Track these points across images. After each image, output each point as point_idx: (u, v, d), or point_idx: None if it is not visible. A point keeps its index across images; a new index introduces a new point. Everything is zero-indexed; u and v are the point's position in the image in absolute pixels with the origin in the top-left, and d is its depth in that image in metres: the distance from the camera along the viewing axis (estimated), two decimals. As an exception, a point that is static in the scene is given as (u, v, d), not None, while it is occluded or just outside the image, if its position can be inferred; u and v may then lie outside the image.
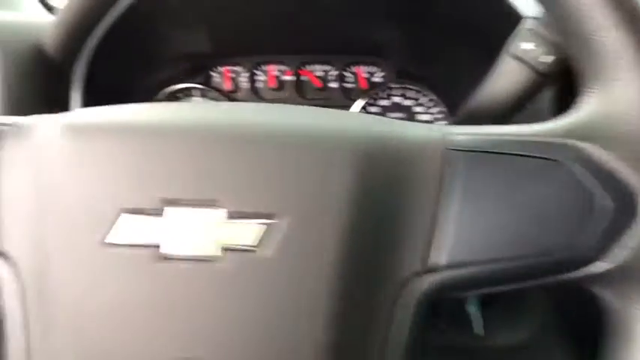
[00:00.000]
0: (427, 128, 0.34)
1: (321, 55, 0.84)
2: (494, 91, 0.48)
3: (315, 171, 0.30)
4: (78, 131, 0.33)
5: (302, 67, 0.85)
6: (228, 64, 0.84)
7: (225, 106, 0.37)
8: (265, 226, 0.30)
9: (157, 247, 0.31)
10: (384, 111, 0.84)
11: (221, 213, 0.31)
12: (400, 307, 0.31)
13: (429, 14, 0.66)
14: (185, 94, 0.83)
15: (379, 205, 0.31)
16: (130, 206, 0.31)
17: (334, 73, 0.85)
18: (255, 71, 0.85)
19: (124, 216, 0.31)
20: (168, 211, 0.31)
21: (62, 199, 0.31)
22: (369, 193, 0.30)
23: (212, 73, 0.84)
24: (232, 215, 0.31)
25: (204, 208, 0.31)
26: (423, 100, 0.84)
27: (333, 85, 0.85)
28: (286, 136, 0.32)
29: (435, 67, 0.78)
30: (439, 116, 0.84)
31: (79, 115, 0.35)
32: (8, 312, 0.33)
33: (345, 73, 0.85)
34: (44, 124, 0.34)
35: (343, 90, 0.85)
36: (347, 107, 0.84)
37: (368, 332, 0.31)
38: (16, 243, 0.33)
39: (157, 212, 0.31)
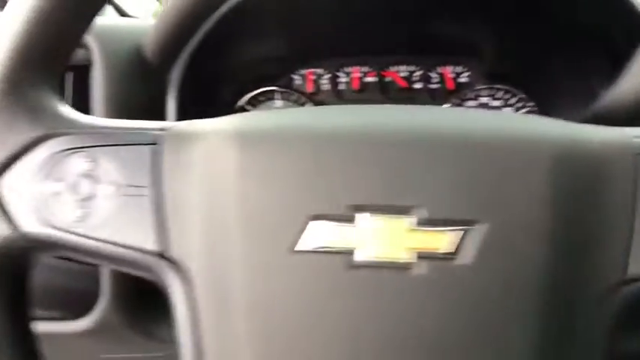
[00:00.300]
0: (611, 131, 0.32)
1: (406, 55, 0.82)
2: (628, 91, 0.46)
3: (515, 176, 0.29)
4: (253, 138, 0.31)
5: (386, 68, 0.83)
6: (310, 67, 0.82)
7: (400, 109, 0.35)
8: (462, 232, 0.28)
9: (350, 254, 0.29)
10: (471, 112, 0.82)
11: (415, 219, 0.29)
12: (599, 316, 0.29)
13: (537, 13, 0.64)
14: (267, 97, 0.82)
15: (577, 211, 0.29)
16: (319, 213, 0.29)
17: (419, 73, 0.83)
18: (337, 73, 0.83)
19: (313, 223, 0.29)
20: (360, 217, 0.29)
21: (243, 207, 0.30)
22: (568, 198, 0.29)
23: (293, 77, 0.83)
24: (427, 222, 0.29)
25: (397, 214, 0.29)
26: (512, 100, 0.81)
27: (418, 85, 0.83)
28: (482, 141, 0.30)
29: (531, 67, 0.75)
30: (529, 117, 0.81)
31: (246, 120, 0.33)
32: (179, 320, 0.31)
33: (431, 74, 0.82)
34: (209, 130, 0.33)
35: (428, 91, 0.82)
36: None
37: (568, 342, 0.29)
38: (185, 250, 0.31)
39: (348, 219, 0.29)
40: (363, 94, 0.83)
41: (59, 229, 0.32)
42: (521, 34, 0.70)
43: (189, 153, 0.32)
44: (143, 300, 0.66)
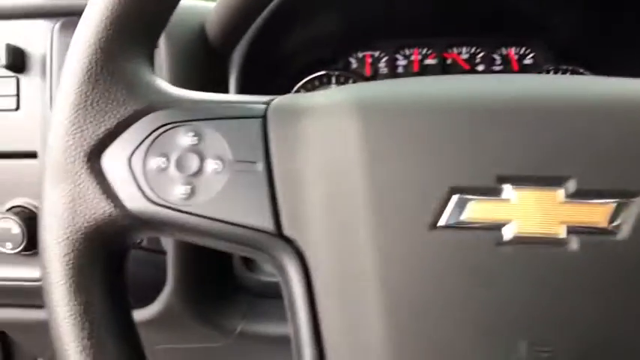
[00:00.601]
0: None
1: (467, 36, 0.78)
2: None
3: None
4: (378, 109, 0.28)
5: (447, 50, 0.80)
6: (368, 50, 0.79)
7: (529, 78, 0.32)
8: (615, 205, 0.26)
9: (498, 229, 0.26)
10: (536, 95, 0.78)
11: (566, 191, 0.26)
12: None
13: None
14: (321, 81, 0.79)
15: None
16: (463, 185, 0.26)
17: (482, 55, 0.79)
18: (396, 55, 0.80)
19: (457, 197, 0.26)
20: (508, 189, 0.26)
21: (372, 183, 0.27)
22: None
23: (350, 60, 0.80)
24: (579, 194, 0.26)
25: (547, 186, 0.26)
26: (580, 82, 0.77)
27: (480, 68, 0.79)
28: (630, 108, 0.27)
29: (603, 48, 0.71)
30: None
31: (364, 91, 0.30)
32: (295, 302, 0.29)
33: (494, 55, 0.79)
34: (323, 103, 0.30)
35: (493, 73, 0.79)
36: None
37: None
38: (302, 229, 0.29)
39: (495, 191, 0.26)
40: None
41: (166, 206, 0.30)
42: (605, 14, 0.66)
43: (301, 127, 0.30)
44: (206, 289, 0.64)
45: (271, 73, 0.74)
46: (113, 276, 0.31)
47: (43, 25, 0.60)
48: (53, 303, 0.30)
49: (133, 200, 0.30)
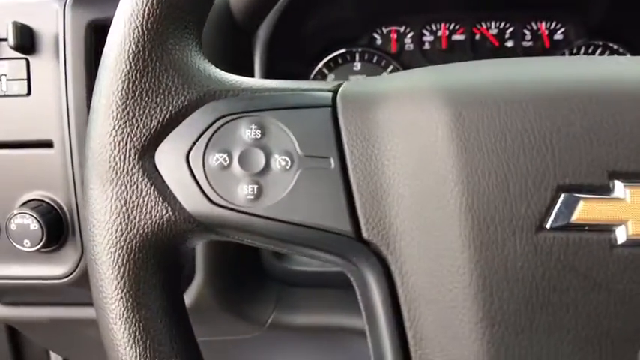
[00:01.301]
0: None
1: (497, 10, 0.75)
2: None
3: None
4: (470, 98, 0.25)
5: (476, 25, 0.76)
6: (393, 25, 0.76)
7: (628, 61, 0.29)
8: None
9: (611, 231, 0.23)
10: (567, 72, 0.75)
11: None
12: None
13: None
14: (344, 59, 0.76)
15: None
16: (571, 183, 0.23)
17: (511, 30, 0.76)
18: (422, 31, 0.76)
19: (565, 196, 0.23)
20: (622, 187, 0.23)
21: (466, 181, 0.24)
22: None
23: (375, 36, 0.76)
24: None
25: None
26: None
27: (510, 44, 0.76)
28: None
29: (635, 21, 0.68)
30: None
31: (447, 76, 0.27)
32: (376, 311, 0.27)
33: (525, 31, 0.75)
34: (399, 90, 0.27)
35: (521, 49, 0.75)
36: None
37: None
38: (384, 232, 0.26)
39: (607, 189, 0.23)
40: (451, 54, 0.76)
41: (230, 208, 0.27)
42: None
43: (379, 116, 0.27)
44: (235, 279, 0.62)
45: (295, 51, 0.70)
46: (173, 287, 0.29)
47: (53, 2, 0.56)
48: (109, 320, 0.27)
49: (194, 202, 0.27)
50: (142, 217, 0.27)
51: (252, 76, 0.59)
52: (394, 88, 0.28)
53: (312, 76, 0.75)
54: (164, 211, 0.27)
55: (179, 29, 0.29)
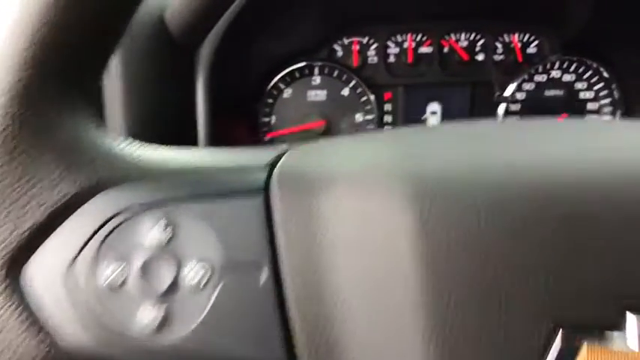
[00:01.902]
0: None
1: (467, 21, 0.69)
2: None
3: None
4: (448, 194, 0.19)
5: (444, 37, 0.70)
6: (355, 36, 0.69)
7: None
8: None
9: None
10: (540, 88, 0.70)
11: None
12: None
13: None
14: (302, 73, 0.69)
15: None
16: (573, 320, 0.18)
17: (482, 42, 0.70)
18: (387, 43, 0.70)
19: (565, 333, 0.18)
20: (634, 320, 0.18)
21: (437, 307, 0.18)
22: None
23: (335, 47, 0.69)
24: None
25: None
26: (587, 75, 0.70)
27: (480, 57, 0.71)
28: None
29: (616, 36, 0.64)
30: (606, 100, 0.70)
31: (418, 159, 0.21)
32: None
33: (497, 43, 0.70)
34: (350, 174, 0.21)
35: (493, 63, 0.70)
36: (499, 84, 0.69)
37: None
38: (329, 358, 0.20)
39: (615, 324, 0.18)
40: (417, 68, 0.70)
41: (126, 341, 0.20)
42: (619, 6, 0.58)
43: (323, 210, 0.21)
44: None
45: (246, 67, 0.63)
46: None
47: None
48: None
49: (73, 335, 0.20)
50: (4, 355, 0.20)
51: (194, 99, 0.52)
52: (348, 169, 0.21)
53: (267, 90, 0.68)
54: (36, 349, 0.20)
55: (63, 92, 0.21)
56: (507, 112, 0.69)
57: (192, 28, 0.49)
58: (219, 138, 0.58)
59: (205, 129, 0.53)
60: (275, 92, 0.68)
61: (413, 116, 0.72)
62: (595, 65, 0.70)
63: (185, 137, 0.53)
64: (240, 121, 0.66)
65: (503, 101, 0.68)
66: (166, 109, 0.51)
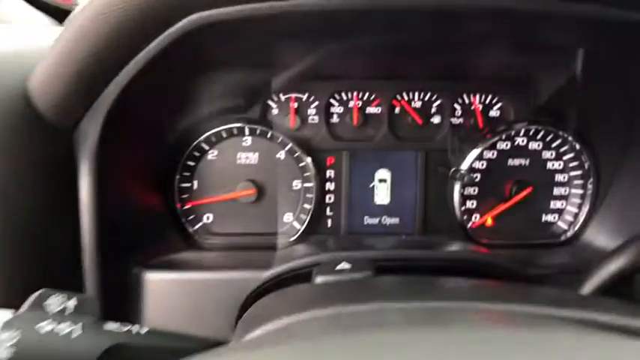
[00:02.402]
0: None
1: (422, 80, 0.61)
2: None
3: None
4: None
5: (396, 96, 0.62)
6: (294, 91, 0.60)
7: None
8: None
9: None
10: (503, 157, 0.62)
11: None
12: None
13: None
14: (230, 133, 0.59)
15: None
16: None
17: (439, 104, 0.62)
18: (330, 101, 0.61)
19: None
20: None
21: None
22: None
23: (270, 104, 0.60)
24: None
25: None
26: (557, 143, 0.62)
27: (436, 120, 0.62)
28: None
29: (594, 108, 0.56)
30: (577, 172, 0.62)
31: None
32: None
33: (455, 105, 0.62)
34: None
35: (451, 127, 0.62)
36: (456, 152, 0.61)
37: None
38: None
39: None
40: (364, 131, 0.61)
41: None
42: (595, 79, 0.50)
43: None
44: None
45: (157, 130, 0.53)
46: None
47: None
48: None
49: None
50: None
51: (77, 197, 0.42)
52: None
53: (187, 152, 0.58)
54: None
55: None
56: (464, 186, 0.61)
57: (62, 105, 0.39)
58: (126, 220, 0.49)
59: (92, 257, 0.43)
60: (197, 154, 0.59)
61: (359, 184, 0.63)
62: (564, 134, 0.62)
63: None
64: (153, 187, 0.56)
65: (460, 179, 0.59)
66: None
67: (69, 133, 0.41)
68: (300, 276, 0.49)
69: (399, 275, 0.45)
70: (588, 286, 0.42)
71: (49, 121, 0.39)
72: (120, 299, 0.48)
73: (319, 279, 0.40)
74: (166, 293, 0.49)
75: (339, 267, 0.41)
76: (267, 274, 0.49)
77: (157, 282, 0.49)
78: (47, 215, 0.41)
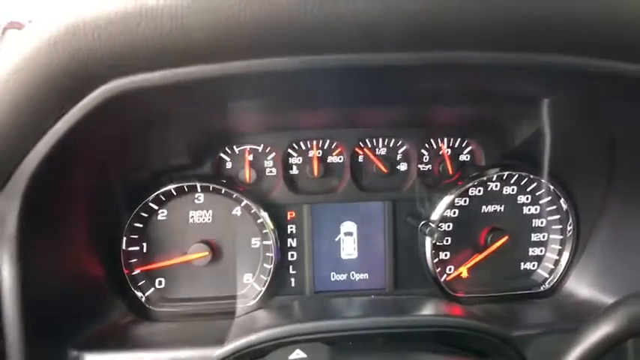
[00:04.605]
0: None
1: (385, 127, 0.57)
2: None
3: None
4: None
5: (359, 144, 0.58)
6: (249, 142, 0.56)
7: None
8: None
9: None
10: (477, 203, 0.58)
11: None
12: None
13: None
14: (180, 191, 0.54)
15: None
16: None
17: (405, 150, 0.59)
18: (289, 151, 0.57)
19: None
20: None
21: None
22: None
23: (223, 156, 0.56)
24: None
25: None
26: (532, 186, 0.58)
27: (402, 167, 0.58)
28: None
29: (570, 150, 0.53)
30: (555, 217, 0.59)
31: None
32: None
33: (423, 151, 0.58)
34: None
35: (420, 174, 0.58)
36: (425, 200, 0.57)
37: None
38: None
39: None
40: (326, 181, 0.57)
41: None
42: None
43: None
44: None
45: (92, 201, 0.48)
46: None
47: None
48: None
49: None
50: None
51: None
52: None
53: (134, 213, 0.53)
54: None
55: None
56: (437, 238, 0.56)
57: None
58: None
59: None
60: (145, 214, 0.54)
61: (323, 238, 0.58)
62: (539, 178, 0.58)
63: None
64: (95, 255, 0.51)
65: (430, 235, 0.55)
66: None
67: None
68: (257, 352, 0.44)
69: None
70: (574, 356, 0.38)
71: None
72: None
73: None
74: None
75: (292, 356, 0.36)
76: (219, 351, 0.44)
77: (99, 364, 0.44)
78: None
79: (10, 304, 0.38)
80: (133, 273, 0.54)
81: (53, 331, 0.43)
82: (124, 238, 0.53)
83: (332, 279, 0.58)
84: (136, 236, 0.54)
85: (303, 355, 0.36)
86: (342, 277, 0.59)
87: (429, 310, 0.50)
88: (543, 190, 0.58)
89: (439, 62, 0.31)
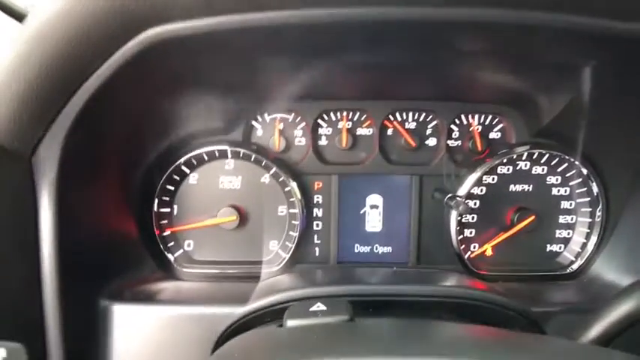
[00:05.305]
0: None
1: (416, 100, 0.57)
2: None
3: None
4: None
5: (388, 117, 0.58)
6: (279, 111, 0.57)
7: None
8: None
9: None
10: (504, 182, 0.58)
11: None
12: None
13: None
14: (212, 156, 0.56)
15: None
16: None
17: (434, 124, 0.59)
18: (318, 121, 0.58)
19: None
20: None
21: None
22: None
23: (254, 124, 0.57)
24: None
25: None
26: (562, 167, 0.57)
27: (431, 142, 0.59)
28: None
29: (603, 131, 0.52)
30: (585, 199, 0.58)
31: None
32: None
33: (453, 127, 0.58)
34: None
35: (449, 150, 0.58)
36: (452, 177, 0.57)
37: None
38: None
39: None
40: (353, 153, 0.58)
41: None
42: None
43: None
44: None
45: (127, 160, 0.49)
46: None
47: None
48: None
49: None
50: None
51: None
52: None
53: (166, 175, 0.55)
54: None
55: None
56: (461, 214, 0.56)
57: (15, 129, 0.36)
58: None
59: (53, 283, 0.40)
60: (177, 177, 0.56)
61: (349, 210, 0.59)
62: (570, 158, 0.57)
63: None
64: (128, 213, 0.53)
65: (456, 207, 0.54)
66: None
67: (27, 159, 0.38)
68: (278, 312, 0.45)
69: (377, 318, 0.41)
70: (594, 331, 0.38)
71: (4, 146, 0.36)
72: (85, 334, 0.45)
73: (289, 323, 0.36)
74: (136, 327, 0.46)
75: (312, 308, 0.37)
76: (242, 309, 0.46)
77: (126, 315, 0.46)
78: (5, 245, 0.39)
79: (48, 246, 0.40)
80: (164, 234, 0.56)
81: (87, 279, 0.45)
82: (156, 200, 0.55)
83: (355, 250, 0.59)
84: (167, 198, 0.56)
85: (323, 307, 0.37)
86: (366, 249, 0.59)
87: (450, 282, 0.51)
88: (574, 172, 0.57)
89: (474, 18, 0.31)
